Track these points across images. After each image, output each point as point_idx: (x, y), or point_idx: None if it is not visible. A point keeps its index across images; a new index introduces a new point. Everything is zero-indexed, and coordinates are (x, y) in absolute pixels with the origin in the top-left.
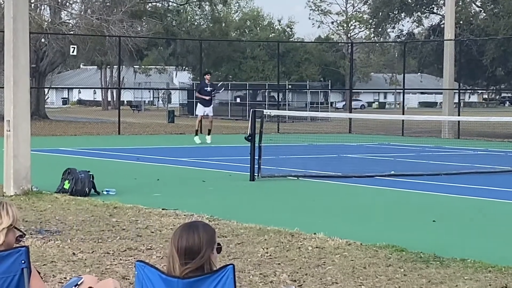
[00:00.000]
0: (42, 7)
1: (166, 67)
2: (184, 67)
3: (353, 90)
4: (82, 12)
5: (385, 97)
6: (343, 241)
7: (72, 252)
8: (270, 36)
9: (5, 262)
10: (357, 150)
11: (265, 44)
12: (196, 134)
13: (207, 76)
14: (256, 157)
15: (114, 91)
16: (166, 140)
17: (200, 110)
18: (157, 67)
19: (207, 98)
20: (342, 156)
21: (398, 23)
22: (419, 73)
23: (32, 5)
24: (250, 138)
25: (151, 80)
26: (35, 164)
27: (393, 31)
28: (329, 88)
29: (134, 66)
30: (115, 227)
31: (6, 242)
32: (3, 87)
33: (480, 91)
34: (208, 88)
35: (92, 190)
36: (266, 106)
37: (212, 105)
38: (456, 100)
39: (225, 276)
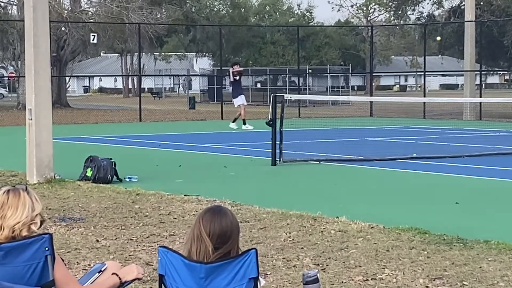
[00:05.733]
0: None
1: (186, 53)
2: (204, 53)
3: (373, 74)
4: (102, 0)
5: (406, 80)
6: (366, 224)
7: (96, 239)
8: (289, 20)
9: (29, 250)
10: (379, 134)
11: (285, 29)
12: (244, 123)
13: (236, 67)
14: (278, 142)
15: (135, 78)
16: (187, 126)
17: (241, 100)
18: (177, 53)
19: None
20: (363, 140)
21: (418, 5)
22: (440, 55)
23: None
24: (271, 123)
25: (171, 67)
26: (57, 152)
27: (413, 14)
28: (350, 72)
29: (155, 53)
30: (138, 214)
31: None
32: (25, 76)
33: (501, 72)
34: (237, 77)
35: (115, 177)
36: (287, 91)
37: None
38: (478, 82)
39: (248, 260)
